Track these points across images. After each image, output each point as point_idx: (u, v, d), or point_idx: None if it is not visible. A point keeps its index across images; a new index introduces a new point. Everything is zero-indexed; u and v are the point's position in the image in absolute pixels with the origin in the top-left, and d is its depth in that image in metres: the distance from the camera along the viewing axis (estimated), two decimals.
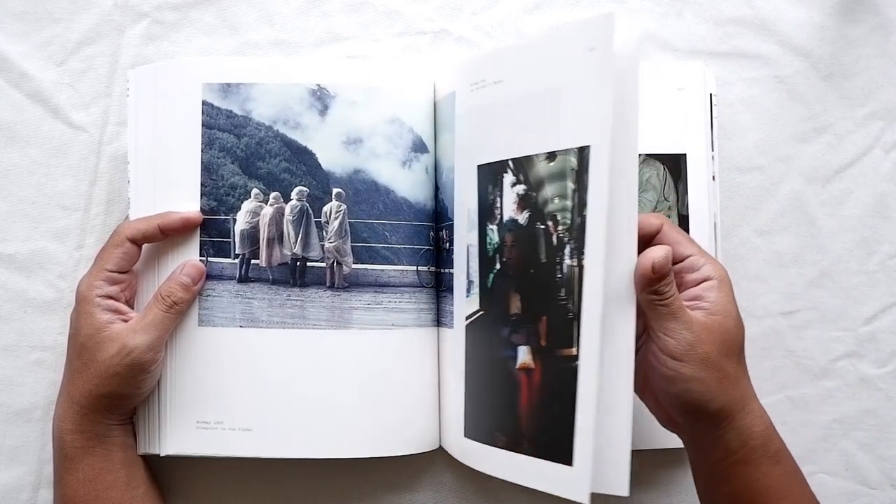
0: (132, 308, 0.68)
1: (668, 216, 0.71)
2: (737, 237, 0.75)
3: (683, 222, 0.71)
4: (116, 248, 0.66)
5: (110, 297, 0.65)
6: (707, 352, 0.57)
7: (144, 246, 0.68)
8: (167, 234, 0.67)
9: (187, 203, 0.68)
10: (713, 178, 0.72)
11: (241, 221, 0.69)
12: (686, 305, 0.59)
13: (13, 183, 0.74)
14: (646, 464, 0.73)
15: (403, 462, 0.72)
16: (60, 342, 0.71)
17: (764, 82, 0.76)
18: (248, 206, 0.69)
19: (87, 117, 0.75)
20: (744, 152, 0.76)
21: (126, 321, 0.65)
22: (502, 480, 0.68)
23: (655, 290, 0.57)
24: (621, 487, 0.58)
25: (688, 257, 0.60)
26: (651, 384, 0.61)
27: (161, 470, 0.71)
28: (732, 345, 0.59)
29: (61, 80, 0.75)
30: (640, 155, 0.71)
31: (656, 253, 0.57)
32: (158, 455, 0.68)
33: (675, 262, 0.60)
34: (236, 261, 0.69)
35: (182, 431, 0.68)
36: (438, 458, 0.73)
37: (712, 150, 0.72)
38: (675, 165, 0.71)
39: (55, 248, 0.74)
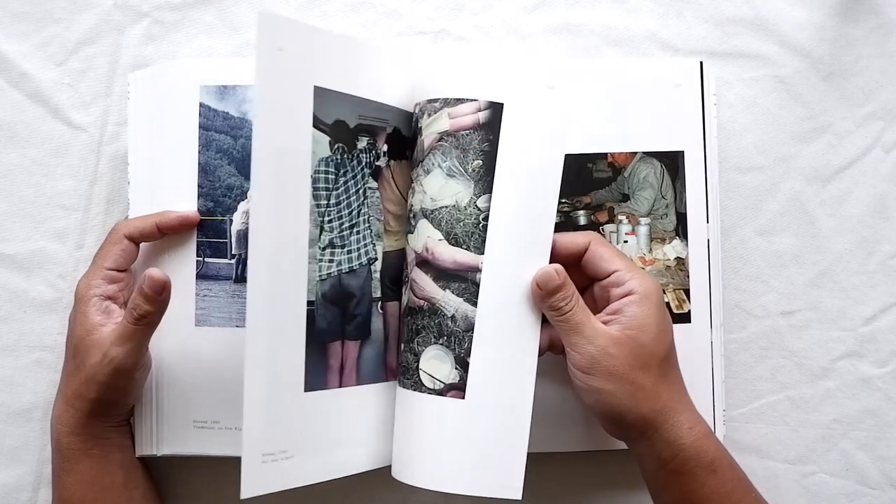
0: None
1: (666, 214, 0.71)
2: (737, 237, 0.75)
3: (682, 220, 0.71)
4: (114, 245, 0.66)
5: (108, 297, 0.65)
6: (614, 365, 0.58)
7: (142, 246, 0.68)
8: (164, 233, 0.67)
9: (185, 204, 0.68)
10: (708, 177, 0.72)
11: (238, 222, 0.69)
12: (606, 319, 0.60)
13: (13, 183, 0.74)
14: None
15: None
16: (60, 342, 0.71)
17: (764, 82, 0.76)
18: (244, 206, 0.69)
19: (87, 117, 0.75)
20: (744, 152, 0.76)
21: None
22: None
23: (550, 306, 0.60)
24: (514, 491, 0.60)
25: (613, 273, 0.61)
26: None
27: (159, 471, 0.72)
28: (648, 359, 0.59)
29: (61, 80, 0.75)
30: (636, 153, 0.71)
31: (541, 270, 0.60)
32: (156, 455, 0.68)
33: (600, 279, 0.62)
34: (233, 261, 0.69)
35: (179, 431, 0.68)
36: None
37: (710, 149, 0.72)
38: (672, 163, 0.71)
39: (55, 248, 0.74)
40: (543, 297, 0.60)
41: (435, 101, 0.63)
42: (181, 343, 0.68)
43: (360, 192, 0.64)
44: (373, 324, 0.66)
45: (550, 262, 0.61)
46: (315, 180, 0.61)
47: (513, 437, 0.61)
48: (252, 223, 0.57)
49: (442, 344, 0.62)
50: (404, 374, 0.63)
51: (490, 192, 0.61)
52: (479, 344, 0.61)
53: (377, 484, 0.73)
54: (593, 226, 0.71)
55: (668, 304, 0.70)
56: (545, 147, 0.62)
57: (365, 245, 0.65)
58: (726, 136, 0.75)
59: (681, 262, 0.70)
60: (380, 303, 0.66)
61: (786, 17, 0.76)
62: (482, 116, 0.62)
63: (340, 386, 0.63)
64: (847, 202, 0.76)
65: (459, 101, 0.62)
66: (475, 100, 0.62)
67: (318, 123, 0.61)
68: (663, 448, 0.59)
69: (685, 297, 0.70)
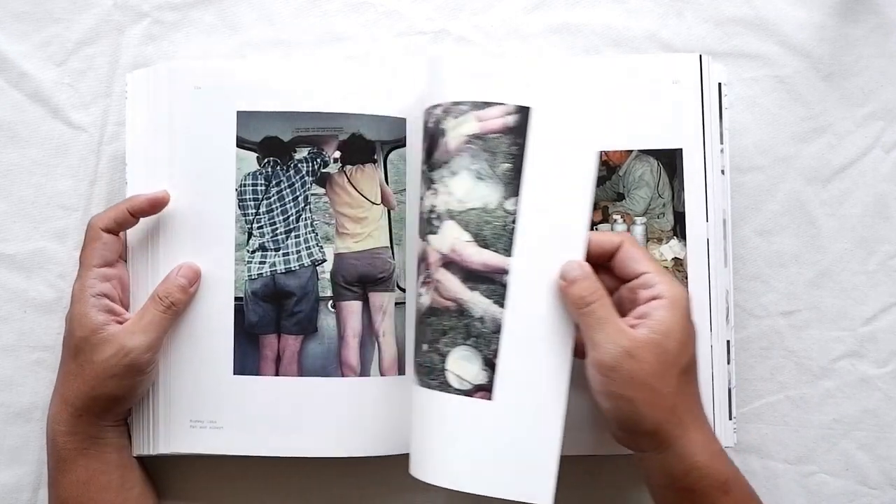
0: (126, 307, 0.68)
1: (663, 213, 0.70)
2: (737, 237, 0.75)
3: (679, 220, 0.70)
4: (95, 242, 0.66)
5: (105, 296, 0.65)
6: (635, 369, 0.57)
7: (138, 246, 0.68)
8: (138, 217, 0.67)
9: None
10: (722, 171, 0.70)
11: None
12: (633, 323, 0.59)
13: (13, 183, 0.74)
14: None
15: (403, 461, 0.72)
16: (60, 342, 0.71)
17: (764, 82, 0.76)
18: None
19: (87, 117, 0.75)
20: (744, 152, 0.76)
21: (121, 322, 0.65)
22: None
23: (573, 299, 0.59)
24: (544, 497, 0.60)
25: (642, 275, 0.60)
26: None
27: (156, 471, 0.71)
28: (670, 366, 0.58)
29: (61, 80, 0.75)
30: (632, 151, 0.70)
31: (566, 262, 0.60)
32: (153, 455, 0.68)
33: (628, 280, 0.61)
34: None
35: (176, 430, 0.68)
36: None
37: (721, 142, 0.70)
38: (669, 161, 0.70)
39: (55, 248, 0.74)
40: (566, 289, 0.59)
41: (460, 103, 0.63)
42: (179, 342, 0.68)
43: (300, 199, 0.68)
44: (321, 321, 0.68)
45: None
46: (241, 192, 0.68)
47: (543, 440, 0.61)
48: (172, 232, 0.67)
49: (470, 345, 0.62)
50: (428, 374, 0.63)
51: (518, 194, 0.61)
52: (508, 345, 0.61)
53: (378, 483, 0.73)
54: None
55: None
56: (574, 149, 0.62)
57: (307, 248, 0.68)
58: (726, 136, 0.75)
59: (678, 263, 0.70)
60: (330, 302, 0.68)
61: (786, 17, 0.76)
62: (510, 120, 0.62)
63: (277, 374, 0.68)
64: (847, 202, 0.75)
65: (487, 104, 0.62)
66: (503, 103, 0.62)
67: (242, 143, 0.68)
68: (675, 463, 0.58)
69: None
